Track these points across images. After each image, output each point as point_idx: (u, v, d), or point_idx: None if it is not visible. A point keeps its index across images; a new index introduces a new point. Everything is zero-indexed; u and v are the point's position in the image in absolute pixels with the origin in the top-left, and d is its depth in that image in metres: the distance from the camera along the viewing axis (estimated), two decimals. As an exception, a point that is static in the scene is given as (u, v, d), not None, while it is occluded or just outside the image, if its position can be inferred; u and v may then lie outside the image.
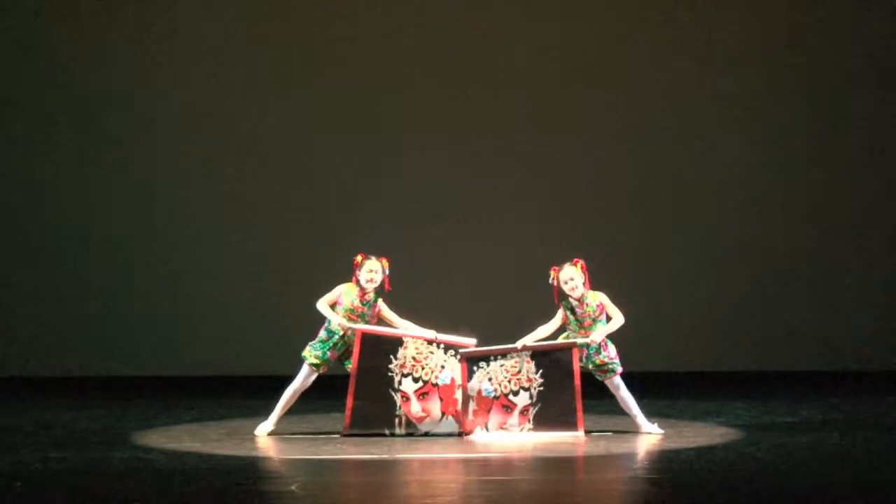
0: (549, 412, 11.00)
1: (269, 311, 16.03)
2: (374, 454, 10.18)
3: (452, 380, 11.03)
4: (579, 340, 10.98)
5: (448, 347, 11.08)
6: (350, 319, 11.01)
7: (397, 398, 11.01)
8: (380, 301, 11.12)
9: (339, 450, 10.45)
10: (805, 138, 16.61)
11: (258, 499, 8.59)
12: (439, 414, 11.03)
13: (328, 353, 11.06)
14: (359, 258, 11.10)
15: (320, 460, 10.03)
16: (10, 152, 16.51)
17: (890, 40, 16.55)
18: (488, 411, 11.03)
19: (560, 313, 11.06)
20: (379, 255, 11.13)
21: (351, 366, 11.04)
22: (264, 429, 11.12)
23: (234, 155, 16.52)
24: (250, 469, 9.69)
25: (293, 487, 9.05)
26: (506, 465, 9.91)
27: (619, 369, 11.06)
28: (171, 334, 16.36)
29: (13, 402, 13.75)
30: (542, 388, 10.99)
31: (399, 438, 10.99)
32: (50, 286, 16.43)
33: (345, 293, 11.08)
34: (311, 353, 11.08)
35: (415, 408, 11.01)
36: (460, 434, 10.97)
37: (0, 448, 10.44)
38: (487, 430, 11.01)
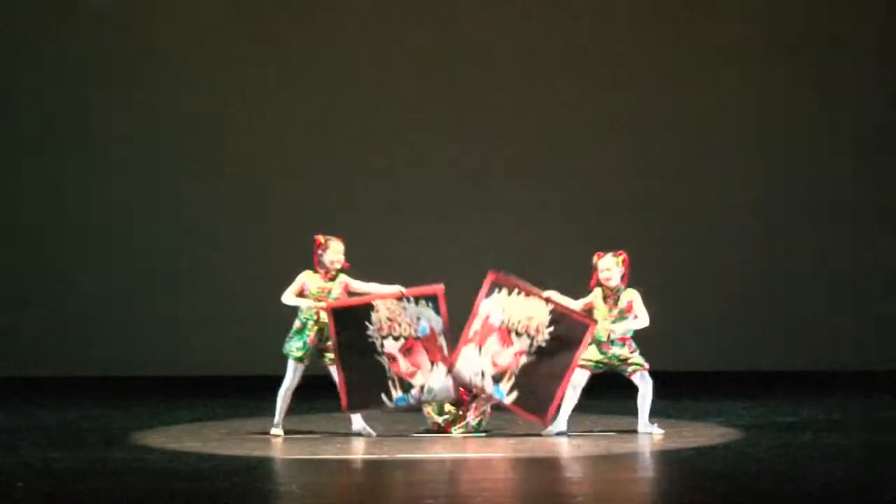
0: (531, 389, 10.87)
1: (270, 311, 15.96)
2: (374, 454, 10.18)
3: (431, 328, 10.99)
4: (602, 324, 10.94)
5: (418, 299, 11.07)
6: (318, 304, 11.01)
7: (384, 361, 10.98)
8: (343, 276, 11.12)
9: (339, 450, 10.45)
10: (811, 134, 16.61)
11: (258, 499, 8.59)
12: (429, 364, 10.98)
13: (307, 340, 11.06)
14: (321, 239, 11.12)
15: (320, 460, 10.03)
16: (11, 153, 16.50)
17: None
18: (487, 337, 10.95)
19: (590, 297, 11.02)
20: (335, 236, 11.15)
21: (331, 357, 11.02)
22: (276, 432, 11.12)
23: (234, 155, 16.50)
24: (250, 469, 9.69)
25: (293, 487, 9.05)
26: (506, 465, 9.91)
27: (647, 366, 10.99)
28: (171, 334, 16.35)
29: (13, 402, 13.74)
30: (542, 346, 10.88)
31: (398, 438, 10.99)
32: (50, 286, 16.43)
33: (308, 279, 11.07)
34: (292, 347, 11.09)
35: (403, 366, 10.99)
36: (449, 370, 10.93)
37: (0, 448, 10.44)
38: (480, 353, 10.91)
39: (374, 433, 11.03)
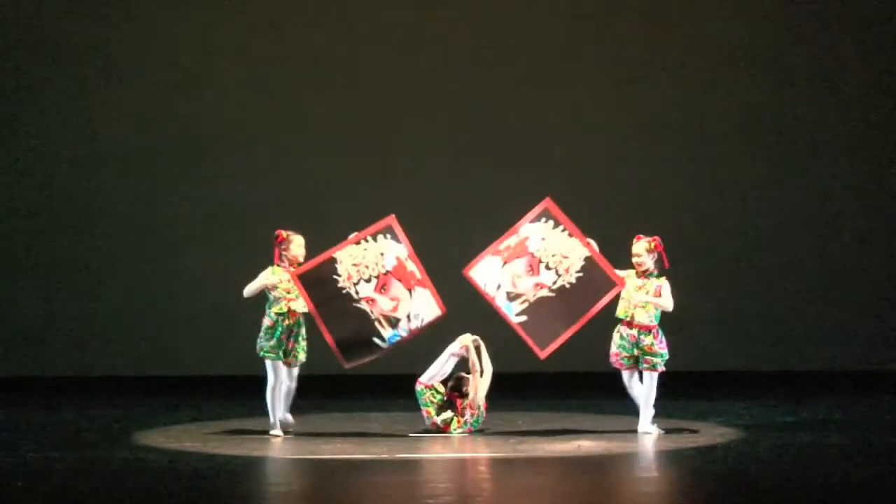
0: (540, 321, 10.96)
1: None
2: (374, 454, 10.18)
3: (397, 258, 11.06)
4: (628, 290, 10.94)
5: (375, 235, 11.10)
6: (287, 296, 11.02)
7: (364, 306, 11.00)
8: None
9: (339, 450, 10.45)
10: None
11: (258, 499, 8.59)
12: (406, 292, 11.04)
13: (280, 337, 11.07)
14: (284, 234, 11.17)
15: (320, 460, 10.04)
16: (11, 155, 16.50)
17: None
18: (516, 258, 11.05)
19: (625, 273, 11.06)
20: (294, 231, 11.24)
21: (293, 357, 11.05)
22: (276, 433, 11.13)
23: (233, 155, 16.50)
24: (250, 469, 9.69)
25: (293, 487, 9.05)
26: (506, 465, 9.91)
27: (661, 369, 11.03)
28: (171, 334, 16.35)
29: (13, 402, 13.74)
30: (565, 287, 10.95)
31: (398, 438, 11.00)
32: (50, 287, 16.42)
33: (274, 275, 11.09)
34: (266, 346, 11.10)
35: (384, 304, 11.02)
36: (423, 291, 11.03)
37: (0, 448, 10.44)
38: (503, 267, 11.01)
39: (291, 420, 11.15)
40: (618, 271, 11.04)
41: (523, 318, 11.04)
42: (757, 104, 16.59)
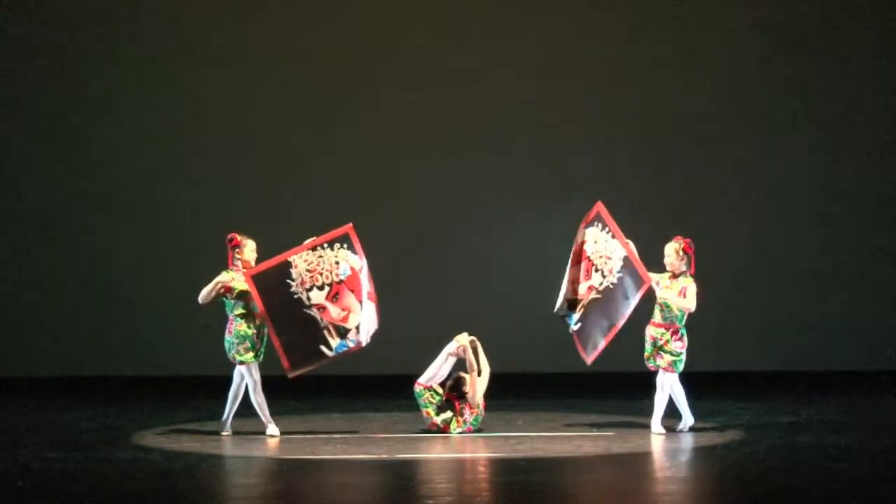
0: (588, 327, 11.18)
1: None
2: (374, 454, 10.18)
3: (352, 268, 11.07)
4: (658, 293, 11.05)
5: (332, 243, 11.12)
6: (246, 297, 11.02)
7: (314, 313, 11.02)
8: None
9: (339, 450, 10.45)
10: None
11: (258, 498, 8.59)
12: (358, 304, 11.05)
13: (254, 339, 11.07)
14: (238, 238, 11.19)
15: (320, 460, 10.04)
16: (12, 156, 16.51)
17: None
18: (577, 262, 11.29)
19: (658, 275, 11.21)
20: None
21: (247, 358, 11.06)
22: (272, 431, 11.12)
23: (233, 156, 16.50)
24: (250, 469, 9.69)
25: (293, 487, 9.06)
26: (506, 465, 9.91)
27: (672, 368, 11.19)
28: (171, 334, 16.35)
29: (13, 402, 13.75)
30: (609, 287, 11.10)
31: (398, 438, 11.00)
32: (51, 287, 16.43)
33: (228, 279, 11.08)
34: (240, 350, 11.06)
35: (334, 312, 11.03)
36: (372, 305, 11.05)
37: (0, 448, 10.45)
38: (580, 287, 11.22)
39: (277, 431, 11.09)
40: (652, 274, 11.16)
41: (579, 325, 11.26)
42: (753, 102, 16.61)
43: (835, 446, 10.40)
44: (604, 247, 11.20)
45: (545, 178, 16.41)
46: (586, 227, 11.32)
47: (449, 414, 11.31)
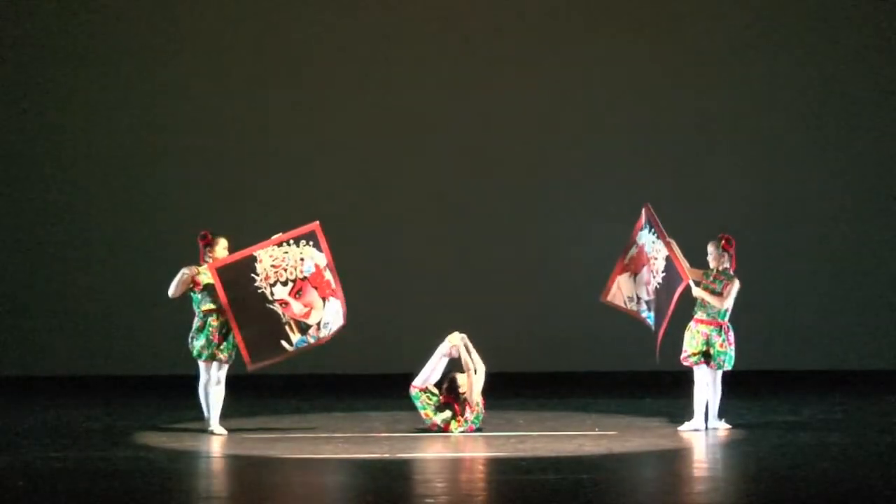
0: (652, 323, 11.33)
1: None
2: (374, 454, 10.18)
3: (316, 265, 11.13)
4: (694, 290, 11.17)
5: (298, 240, 11.17)
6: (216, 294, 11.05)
7: (277, 308, 11.07)
8: None
9: (339, 449, 10.46)
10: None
11: (258, 498, 8.60)
12: (321, 301, 11.11)
13: (210, 337, 11.09)
14: (209, 236, 11.24)
15: (320, 460, 10.04)
16: (12, 156, 16.50)
17: None
18: (642, 266, 11.41)
19: (699, 271, 11.36)
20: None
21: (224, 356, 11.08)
22: (217, 430, 11.13)
23: (233, 157, 16.50)
24: (250, 469, 9.69)
25: (294, 486, 9.06)
26: (506, 464, 9.91)
27: (727, 367, 11.34)
28: (171, 334, 16.33)
29: (13, 402, 13.75)
30: (657, 286, 11.25)
31: (398, 438, 11.01)
32: (51, 287, 16.42)
33: (198, 274, 11.12)
34: (196, 346, 11.12)
35: (296, 308, 11.09)
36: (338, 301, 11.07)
37: (1, 448, 10.45)
38: (635, 280, 11.43)
39: (225, 432, 11.07)
40: (696, 271, 11.32)
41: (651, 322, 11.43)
42: (750, 102, 16.61)
43: (835, 446, 10.40)
44: (651, 248, 11.37)
45: (545, 178, 16.40)
46: (642, 230, 11.45)
47: (448, 413, 11.32)
